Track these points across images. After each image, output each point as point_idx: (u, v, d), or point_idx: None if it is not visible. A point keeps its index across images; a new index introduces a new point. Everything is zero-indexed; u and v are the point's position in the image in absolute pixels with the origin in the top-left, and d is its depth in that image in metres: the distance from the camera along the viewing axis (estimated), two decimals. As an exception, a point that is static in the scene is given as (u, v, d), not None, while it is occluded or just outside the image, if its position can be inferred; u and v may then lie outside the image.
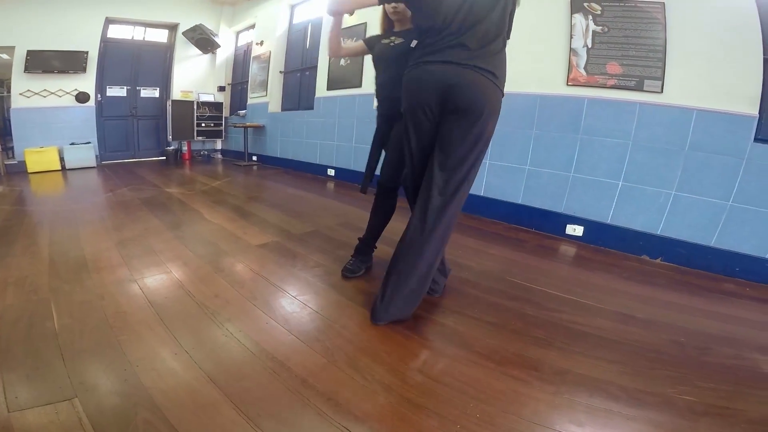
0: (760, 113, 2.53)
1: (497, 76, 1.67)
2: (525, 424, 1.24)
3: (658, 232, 2.91)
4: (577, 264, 2.85)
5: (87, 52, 6.31)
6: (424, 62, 1.71)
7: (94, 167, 6.40)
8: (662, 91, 2.85)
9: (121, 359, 1.46)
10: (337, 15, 2.02)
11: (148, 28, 7.24)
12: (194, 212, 3.57)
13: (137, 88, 7.23)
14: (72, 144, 6.29)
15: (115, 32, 6.85)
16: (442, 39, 1.67)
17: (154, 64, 7.43)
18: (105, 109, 6.89)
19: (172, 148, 7.36)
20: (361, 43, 2.30)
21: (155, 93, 7.47)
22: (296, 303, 1.96)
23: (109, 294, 1.97)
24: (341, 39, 2.25)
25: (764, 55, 2.50)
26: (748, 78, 2.55)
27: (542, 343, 1.71)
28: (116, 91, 7.00)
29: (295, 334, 1.68)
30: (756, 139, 2.54)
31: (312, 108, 5.99)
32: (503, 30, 1.67)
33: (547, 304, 2.08)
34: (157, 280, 2.15)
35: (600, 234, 3.16)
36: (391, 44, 2.06)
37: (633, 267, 2.76)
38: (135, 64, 7.15)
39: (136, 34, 7.14)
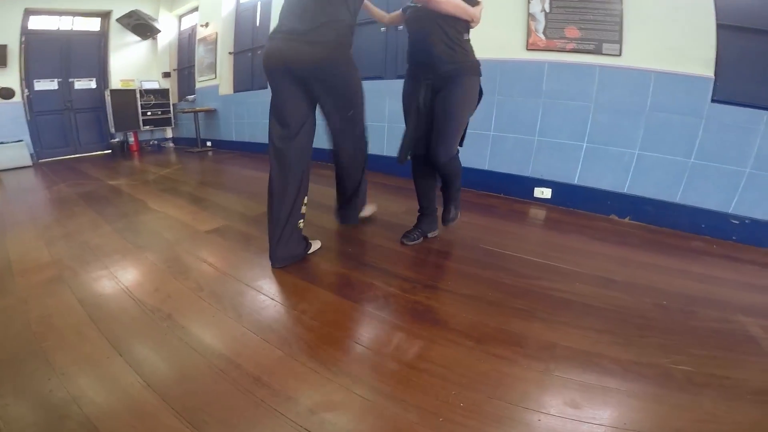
0: (715, 75, 2.56)
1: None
2: (515, 410, 1.11)
3: (625, 191, 2.91)
4: (548, 227, 2.80)
5: (6, 46, 5.77)
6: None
7: (29, 166, 5.87)
8: (621, 54, 2.84)
9: (45, 368, 1.28)
10: None
11: (76, 17, 6.64)
12: (138, 202, 3.27)
13: (70, 80, 6.65)
14: (1, 143, 5.72)
15: (39, 23, 6.26)
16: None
17: (88, 53, 6.85)
18: (36, 104, 6.30)
19: (117, 140, 6.87)
20: (400, 11, 2.31)
21: (92, 84, 6.90)
22: (248, 290, 1.77)
23: (34, 297, 1.75)
24: (377, 9, 2.43)
25: (717, 20, 2.51)
26: (703, 41, 2.57)
27: (524, 315, 1.59)
28: (46, 85, 6.40)
29: (247, 326, 1.49)
30: (713, 100, 2.58)
31: (266, 87, 5.66)
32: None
33: (524, 270, 1.98)
34: (90, 278, 1.92)
35: (568, 195, 3.14)
36: (416, 7, 2.06)
37: (603, 227, 2.72)
38: (65, 55, 6.57)
39: (64, 24, 6.55)
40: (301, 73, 1.85)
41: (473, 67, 2.10)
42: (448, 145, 2.07)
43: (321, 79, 1.88)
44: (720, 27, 2.52)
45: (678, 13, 2.61)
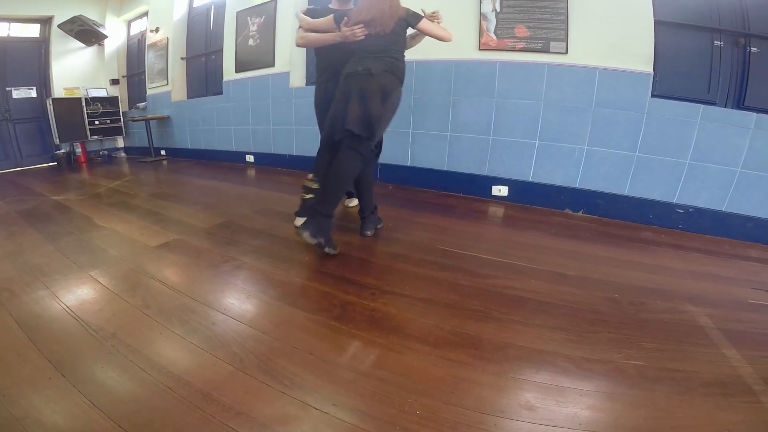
0: (654, 71, 2.68)
1: None
2: (471, 416, 1.10)
3: (577, 186, 3.00)
4: (506, 224, 2.85)
5: (-68, 55, 5.34)
6: None
7: (-35, 182, 5.46)
8: (567, 52, 2.93)
9: None
10: None
11: (12, 23, 6.25)
12: (84, 218, 3.08)
13: (7, 88, 6.25)
14: (-69, 158, 5.31)
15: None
16: None
17: (27, 61, 6.46)
18: (-32, 115, 5.89)
19: (63, 151, 6.47)
20: None
21: (32, 93, 6.51)
22: (198, 306, 1.70)
23: (-31, 322, 1.61)
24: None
25: (654, 16, 2.63)
26: (642, 38, 2.68)
27: (479, 316, 1.59)
28: (-21, 94, 6.00)
29: (196, 342, 1.42)
30: (653, 95, 2.70)
31: (221, 93, 5.54)
32: None
33: (481, 270, 1.99)
34: (30, 299, 1.78)
35: (524, 192, 3.22)
36: None
37: (559, 222, 2.79)
38: (1, 62, 6.17)
39: (-1, 30, 6.15)
40: None
41: None
42: None
43: None
44: (657, 23, 2.63)
45: (618, 9, 2.71)
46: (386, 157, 3.78)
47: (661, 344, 1.43)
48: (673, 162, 2.67)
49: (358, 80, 2.13)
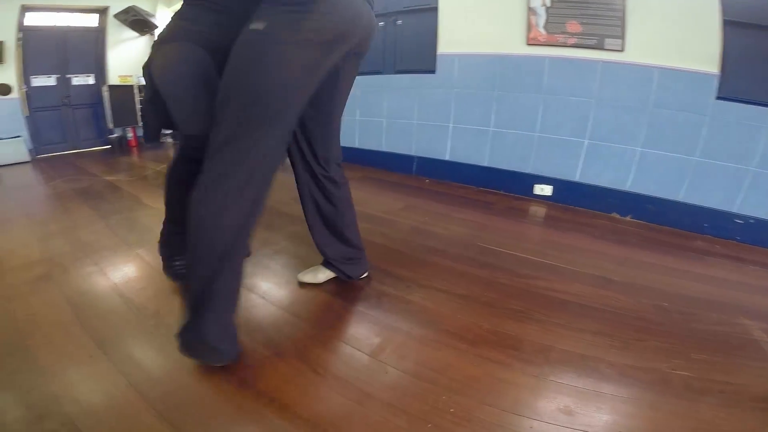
0: (721, 72, 2.50)
1: None
2: (507, 417, 1.06)
3: (627, 188, 2.86)
4: (547, 225, 2.76)
5: (2, 42, 5.75)
6: None
7: (27, 162, 5.85)
8: (623, 50, 2.78)
9: (28, 366, 1.26)
10: None
11: (73, 14, 6.64)
12: (132, 198, 3.22)
13: (68, 75, 6.63)
14: (-1, 139, 5.69)
15: (35, 20, 6.24)
16: None
17: (85, 49, 6.83)
18: (33, 100, 6.26)
19: (115, 135, 6.83)
20: None
21: (89, 80, 6.88)
22: (239, 288, 1.73)
23: (20, 295, 1.70)
24: None
25: (723, 16, 2.46)
26: (707, 37, 2.51)
27: (519, 316, 1.54)
28: (44, 81, 6.37)
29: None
30: (718, 97, 2.52)
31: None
32: None
33: (521, 270, 1.93)
34: (80, 275, 1.87)
35: (569, 193, 3.09)
36: None
37: (604, 225, 2.68)
38: (62, 51, 6.55)
39: (61, 20, 6.53)
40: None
41: None
42: None
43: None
44: (726, 23, 2.46)
45: (682, 8, 2.55)
46: (423, 150, 3.76)
47: (710, 356, 1.35)
48: (736, 168, 2.48)
49: None
